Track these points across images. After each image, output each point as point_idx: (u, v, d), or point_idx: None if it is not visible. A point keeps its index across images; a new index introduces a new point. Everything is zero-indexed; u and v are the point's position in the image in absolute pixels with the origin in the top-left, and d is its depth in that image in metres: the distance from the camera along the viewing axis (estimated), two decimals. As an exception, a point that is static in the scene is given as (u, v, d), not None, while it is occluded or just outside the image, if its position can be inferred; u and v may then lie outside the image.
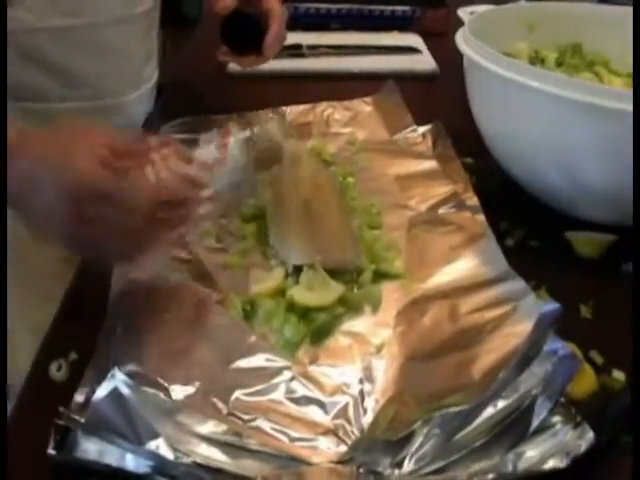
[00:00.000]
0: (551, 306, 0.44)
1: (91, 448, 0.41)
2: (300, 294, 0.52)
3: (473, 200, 0.65)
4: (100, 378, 0.44)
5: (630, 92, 0.53)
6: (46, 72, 0.72)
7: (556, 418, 0.43)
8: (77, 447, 0.41)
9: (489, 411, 0.42)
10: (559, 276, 0.58)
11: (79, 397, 0.44)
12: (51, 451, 0.39)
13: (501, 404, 0.42)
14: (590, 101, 0.54)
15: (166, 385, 0.45)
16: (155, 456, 0.39)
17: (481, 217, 0.62)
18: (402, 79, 0.95)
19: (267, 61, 0.78)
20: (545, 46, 0.77)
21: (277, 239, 0.58)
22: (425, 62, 1.05)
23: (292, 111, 0.85)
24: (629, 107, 0.52)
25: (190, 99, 0.92)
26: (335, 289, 0.52)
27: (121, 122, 0.79)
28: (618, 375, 0.49)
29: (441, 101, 0.93)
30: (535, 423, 0.41)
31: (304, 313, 0.51)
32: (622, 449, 0.43)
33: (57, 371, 0.48)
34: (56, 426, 0.40)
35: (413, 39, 1.12)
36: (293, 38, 1.08)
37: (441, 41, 1.16)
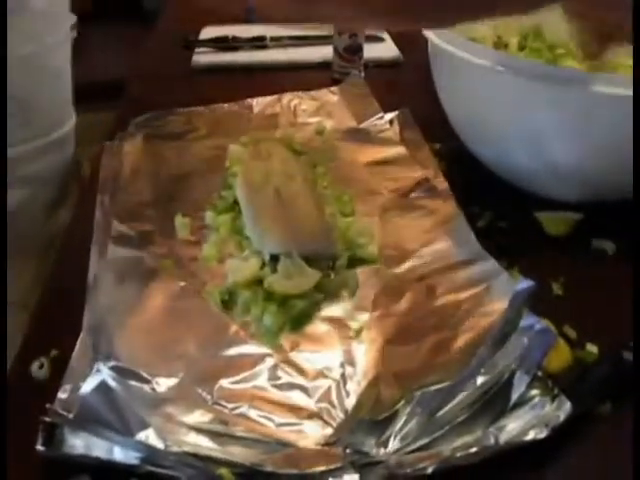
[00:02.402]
0: (525, 283, 0.46)
1: (78, 443, 0.41)
2: (278, 282, 0.52)
3: (443, 185, 0.66)
4: (83, 374, 0.44)
5: (591, 74, 0.55)
6: (9, 110, 0.68)
7: (534, 391, 0.44)
8: (64, 443, 0.41)
9: (469, 387, 0.43)
10: (529, 255, 0.59)
11: (62, 394, 0.44)
12: (40, 447, 0.39)
13: (480, 380, 0.43)
14: (552, 83, 0.55)
15: (150, 378, 0.45)
16: (145, 447, 0.39)
17: (451, 201, 0.63)
18: (366, 67, 0.96)
19: None
20: (508, 31, 0.78)
21: (252, 229, 0.58)
22: (388, 50, 1.05)
23: (259, 103, 0.85)
24: (594, 87, 0.54)
25: (155, 93, 0.92)
26: (312, 276, 0.53)
27: (62, 159, 0.80)
28: (591, 348, 0.50)
29: (406, 88, 0.94)
30: (514, 397, 0.43)
31: (282, 301, 0.52)
32: (598, 419, 0.45)
33: (39, 369, 0.47)
34: (42, 423, 0.40)
35: (375, 28, 1.12)
36: (256, 30, 1.09)
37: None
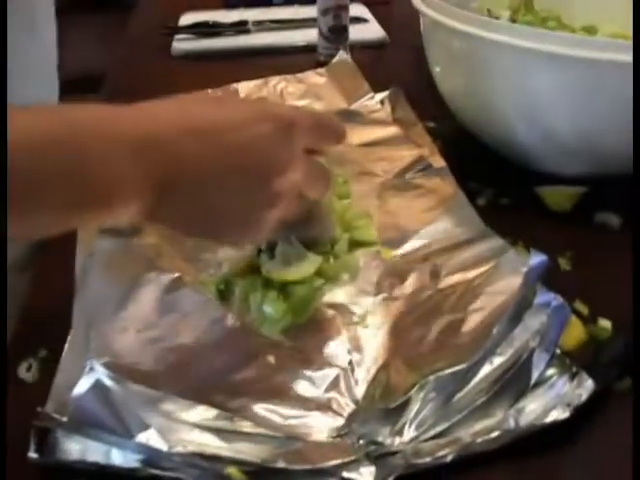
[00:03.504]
0: (538, 258, 0.43)
1: (73, 448, 0.38)
2: (277, 269, 0.50)
3: (440, 163, 0.64)
4: (76, 374, 0.41)
5: (593, 39, 0.53)
6: None
7: (551, 370, 0.42)
8: (58, 448, 0.38)
9: (486, 369, 0.41)
10: (533, 231, 0.57)
11: (54, 396, 0.41)
12: (32, 455, 0.37)
13: (497, 361, 0.41)
14: (554, 50, 0.53)
15: (146, 375, 0.42)
16: (147, 448, 0.36)
17: (450, 179, 0.61)
18: (352, 49, 0.93)
19: None
20: (498, 4, 0.76)
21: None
22: (373, 31, 1.03)
23: (244, 87, 0.82)
24: (594, 54, 0.52)
25: (136, 82, 0.89)
26: (313, 261, 0.50)
27: None
28: (604, 323, 0.48)
29: (394, 69, 0.92)
30: (535, 376, 0.40)
31: (282, 288, 0.49)
32: (616, 396, 0.43)
33: (27, 371, 0.45)
34: (34, 428, 0.38)
35: (359, 9, 1.10)
36: (238, 15, 1.06)
37: (386, 9, 1.15)
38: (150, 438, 0.37)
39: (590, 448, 0.41)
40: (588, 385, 0.40)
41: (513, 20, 0.75)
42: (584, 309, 0.50)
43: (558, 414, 0.39)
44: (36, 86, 0.68)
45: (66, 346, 0.45)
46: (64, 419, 0.37)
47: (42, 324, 0.49)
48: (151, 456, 0.37)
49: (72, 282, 0.50)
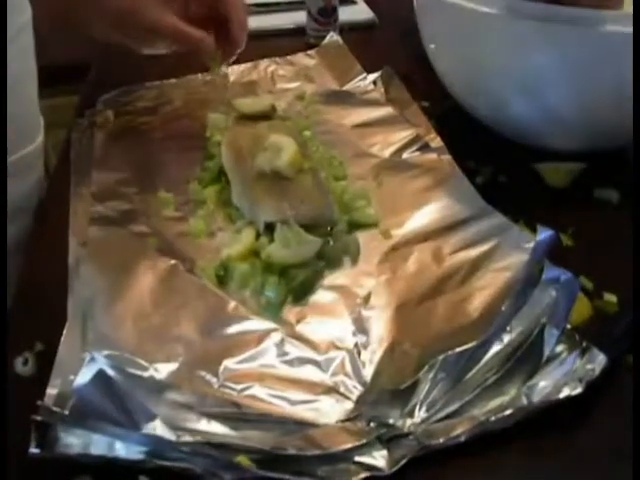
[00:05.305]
0: (545, 234, 0.42)
1: (74, 441, 0.37)
2: (277, 252, 0.49)
3: (437, 141, 0.63)
4: (74, 366, 0.40)
5: (590, 11, 0.52)
6: None
7: (561, 347, 0.41)
8: (59, 442, 0.36)
9: (496, 347, 0.40)
10: (534, 208, 0.56)
11: (53, 390, 0.40)
12: (34, 450, 0.35)
13: (507, 338, 0.41)
14: (552, 23, 0.52)
15: (147, 365, 0.41)
16: (154, 439, 0.35)
17: (447, 157, 0.60)
18: (340, 31, 0.92)
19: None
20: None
21: (242, 199, 0.54)
22: (362, 12, 1.01)
23: (234, 71, 0.80)
24: (592, 26, 0.51)
25: (123, 68, 0.86)
26: (313, 243, 0.49)
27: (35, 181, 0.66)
28: (610, 298, 0.48)
29: (383, 50, 0.91)
30: (547, 352, 0.40)
31: (282, 271, 0.48)
32: (628, 369, 0.43)
33: (23, 365, 0.43)
34: (34, 423, 0.36)
35: (345, -9, 1.08)
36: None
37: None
38: (157, 428, 0.36)
39: (604, 423, 0.40)
40: (600, 360, 0.40)
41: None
42: (589, 284, 0.49)
43: (570, 390, 0.39)
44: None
45: (62, 339, 0.44)
46: (65, 412, 0.36)
47: (36, 317, 0.48)
48: (157, 447, 0.35)
49: (65, 273, 0.49)
